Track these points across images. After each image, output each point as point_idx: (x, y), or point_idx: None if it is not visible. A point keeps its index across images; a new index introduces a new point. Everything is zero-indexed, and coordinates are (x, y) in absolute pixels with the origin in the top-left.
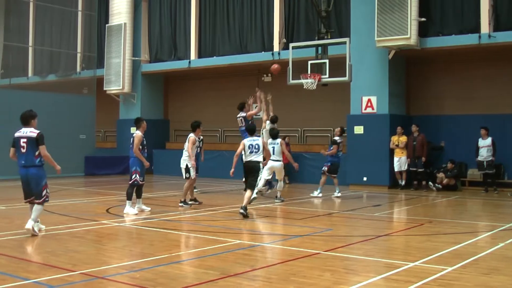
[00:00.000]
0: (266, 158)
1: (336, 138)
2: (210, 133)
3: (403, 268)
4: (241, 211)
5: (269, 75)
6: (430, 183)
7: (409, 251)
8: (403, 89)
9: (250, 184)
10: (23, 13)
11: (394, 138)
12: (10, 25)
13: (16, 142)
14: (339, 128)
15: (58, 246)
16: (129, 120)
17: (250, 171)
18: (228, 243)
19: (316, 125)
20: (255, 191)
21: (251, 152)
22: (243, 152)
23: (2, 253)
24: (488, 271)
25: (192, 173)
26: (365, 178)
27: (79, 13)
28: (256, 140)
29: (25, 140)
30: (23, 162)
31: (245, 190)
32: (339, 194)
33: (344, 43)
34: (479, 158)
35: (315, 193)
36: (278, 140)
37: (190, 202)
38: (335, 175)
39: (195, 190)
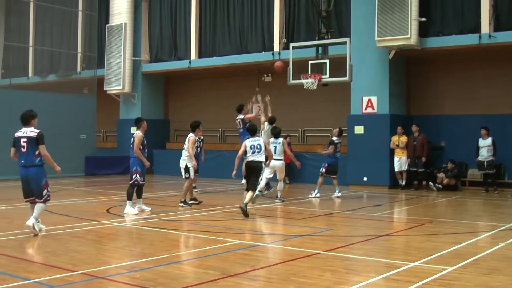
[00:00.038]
0: (269, 159)
1: (334, 138)
2: (211, 133)
3: (404, 268)
4: (242, 206)
5: (270, 75)
6: (431, 183)
7: (409, 251)
8: (403, 89)
9: (252, 184)
10: (24, 13)
11: (395, 138)
12: (10, 25)
13: (16, 142)
14: (337, 129)
15: (58, 246)
16: (129, 120)
17: (253, 171)
18: (229, 243)
19: (316, 125)
20: (257, 191)
21: (253, 152)
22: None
23: (3, 253)
24: (489, 271)
25: (192, 173)
26: (365, 178)
27: (80, 13)
28: (258, 140)
29: (25, 139)
30: (23, 161)
31: (247, 190)
32: (339, 194)
33: (345, 43)
34: (480, 158)
35: (313, 194)
36: (280, 139)
37: (190, 202)
38: (334, 176)
39: (195, 190)
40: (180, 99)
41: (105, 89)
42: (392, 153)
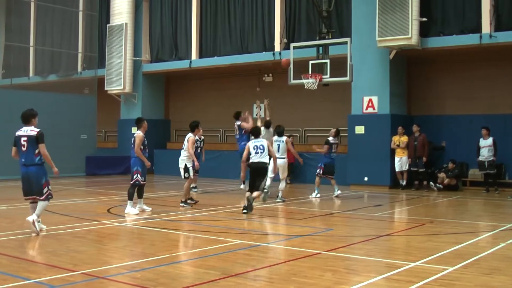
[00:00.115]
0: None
1: (330, 138)
2: (211, 133)
3: (404, 268)
4: (249, 197)
5: (270, 75)
6: (431, 183)
7: (410, 251)
8: (404, 89)
9: (258, 186)
10: (24, 13)
11: (395, 138)
12: (11, 25)
13: (17, 141)
14: (334, 130)
15: (59, 246)
16: (130, 120)
17: (258, 172)
18: (229, 243)
19: (317, 125)
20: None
21: (256, 153)
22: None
23: (3, 253)
24: (489, 271)
25: (191, 172)
26: (366, 178)
27: (80, 13)
28: (261, 142)
29: (25, 138)
30: (23, 160)
31: (250, 191)
32: (339, 192)
33: (345, 43)
34: (480, 158)
35: (313, 195)
36: (284, 138)
37: (183, 201)
38: (332, 176)
39: (194, 190)
40: (180, 99)
41: (105, 89)
42: (392, 153)
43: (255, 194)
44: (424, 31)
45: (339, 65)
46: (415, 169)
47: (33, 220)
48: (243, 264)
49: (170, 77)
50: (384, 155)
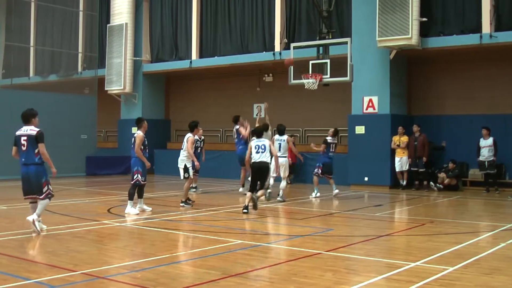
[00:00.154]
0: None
1: (328, 138)
2: (211, 133)
3: (405, 268)
4: (253, 200)
5: (270, 75)
6: (432, 183)
7: (410, 251)
8: (404, 89)
9: (263, 184)
10: (25, 13)
11: (395, 138)
12: (11, 25)
13: (17, 141)
14: (332, 129)
15: (59, 246)
16: (130, 120)
17: (261, 172)
18: (229, 243)
19: (317, 125)
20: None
21: (257, 153)
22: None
23: (4, 253)
24: (490, 271)
25: (191, 172)
26: (366, 178)
27: (81, 13)
28: (263, 141)
29: (25, 138)
30: (23, 160)
31: (251, 192)
32: (337, 191)
33: (346, 43)
34: (481, 158)
35: (313, 195)
36: (285, 137)
37: (183, 201)
38: (330, 176)
39: (193, 190)
40: (181, 99)
41: (106, 89)
42: (393, 153)
43: (259, 193)
44: (424, 31)
45: (339, 65)
46: (415, 169)
47: (33, 220)
48: (243, 264)
49: (170, 77)
50: (384, 155)
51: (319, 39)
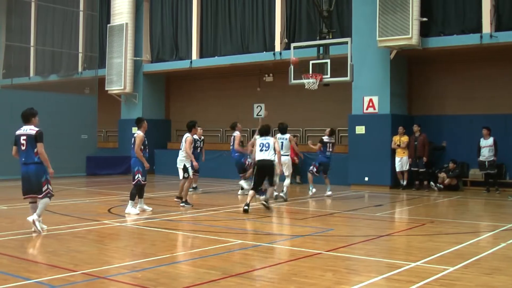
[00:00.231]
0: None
1: (325, 138)
2: (212, 133)
3: (405, 268)
4: (264, 202)
5: (271, 75)
6: (432, 183)
7: (410, 251)
8: (404, 89)
9: (269, 181)
10: (25, 13)
11: (396, 138)
12: (12, 25)
13: (17, 140)
14: (329, 129)
15: (59, 246)
16: (130, 120)
17: (264, 169)
18: (230, 243)
19: (317, 125)
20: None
21: (261, 150)
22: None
23: (4, 253)
24: (490, 271)
25: (191, 172)
26: (366, 178)
27: (81, 13)
28: (267, 139)
29: (24, 137)
30: (23, 159)
31: (253, 190)
32: (330, 193)
33: (346, 43)
34: (481, 158)
35: (310, 193)
36: (287, 135)
37: (176, 199)
38: (325, 175)
39: (190, 190)
40: (181, 99)
41: (106, 89)
42: (393, 153)
43: (268, 193)
44: (425, 31)
45: (339, 65)
46: (416, 169)
47: (33, 220)
48: (244, 264)
49: (170, 77)
50: (385, 155)
51: (320, 39)
